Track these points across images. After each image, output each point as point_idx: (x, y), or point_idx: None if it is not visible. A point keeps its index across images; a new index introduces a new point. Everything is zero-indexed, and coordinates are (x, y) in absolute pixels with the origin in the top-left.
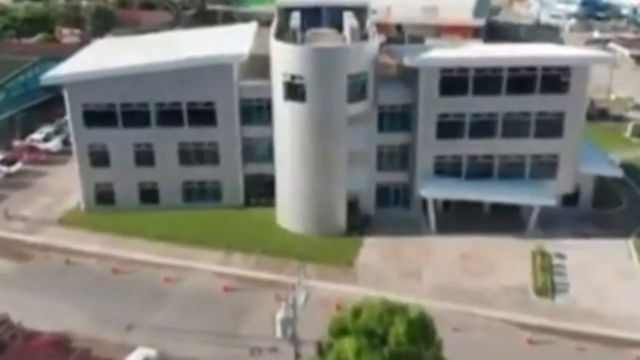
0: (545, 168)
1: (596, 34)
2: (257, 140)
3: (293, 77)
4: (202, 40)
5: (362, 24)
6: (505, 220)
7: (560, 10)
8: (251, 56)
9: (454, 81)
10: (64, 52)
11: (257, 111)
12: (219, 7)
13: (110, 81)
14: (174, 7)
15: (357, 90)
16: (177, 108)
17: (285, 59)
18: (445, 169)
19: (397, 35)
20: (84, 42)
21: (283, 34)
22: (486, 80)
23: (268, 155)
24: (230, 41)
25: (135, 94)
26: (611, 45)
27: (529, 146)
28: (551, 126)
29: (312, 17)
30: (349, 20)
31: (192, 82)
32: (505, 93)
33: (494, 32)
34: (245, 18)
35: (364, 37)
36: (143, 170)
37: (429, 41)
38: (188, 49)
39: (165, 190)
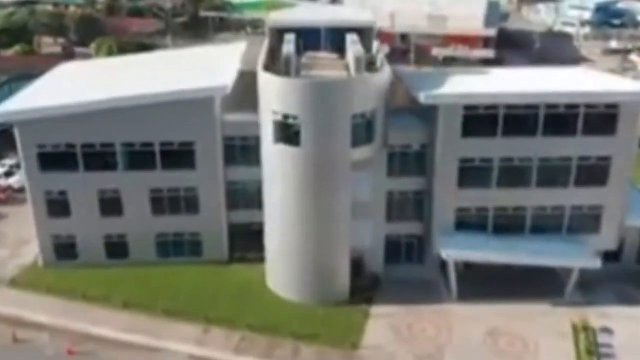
0: (587, 222)
1: (614, 44)
2: (244, 184)
3: (286, 116)
4: (180, 66)
5: (367, 48)
6: (538, 281)
7: (573, 17)
8: (239, 76)
9: (480, 120)
10: (42, 67)
11: (244, 150)
12: (212, 14)
13: (70, 119)
14: (164, 14)
15: (363, 131)
16: (149, 149)
17: (277, 95)
18: (469, 222)
19: (402, 45)
20: (67, 54)
21: (275, 59)
22: (519, 119)
23: (257, 201)
24: (213, 67)
25: (99, 133)
26: (633, 57)
27: (569, 197)
28: (595, 173)
29: (310, 38)
30: (353, 46)
31: (166, 119)
32: (541, 134)
33: (505, 41)
34: (240, 25)
35: (371, 64)
36: (109, 220)
37: (436, 51)
38: (163, 77)
39: (136, 243)
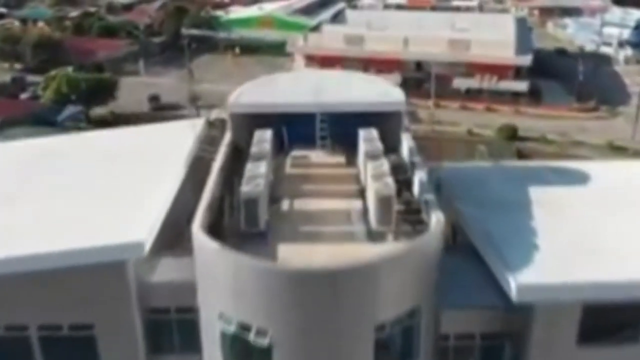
0: None
1: None
2: None
3: (244, 327)
4: (83, 187)
5: (390, 144)
6: None
7: (611, 35)
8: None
9: (606, 319)
10: None
11: (182, 328)
12: (195, 32)
13: None
14: (139, 33)
15: (396, 352)
16: (21, 335)
17: (228, 286)
18: None
19: (416, 74)
20: (15, 88)
21: (233, 190)
22: None
23: None
24: (138, 189)
25: None
26: None
27: None
28: None
29: (299, 126)
30: (373, 162)
31: (49, 290)
32: None
33: (537, 67)
34: (227, 45)
35: (402, 186)
36: None
37: (458, 81)
38: (48, 210)
39: None
